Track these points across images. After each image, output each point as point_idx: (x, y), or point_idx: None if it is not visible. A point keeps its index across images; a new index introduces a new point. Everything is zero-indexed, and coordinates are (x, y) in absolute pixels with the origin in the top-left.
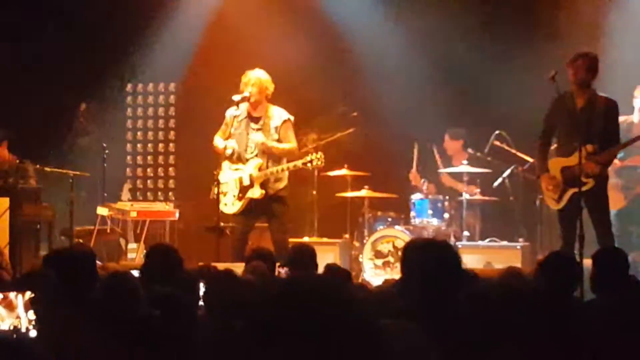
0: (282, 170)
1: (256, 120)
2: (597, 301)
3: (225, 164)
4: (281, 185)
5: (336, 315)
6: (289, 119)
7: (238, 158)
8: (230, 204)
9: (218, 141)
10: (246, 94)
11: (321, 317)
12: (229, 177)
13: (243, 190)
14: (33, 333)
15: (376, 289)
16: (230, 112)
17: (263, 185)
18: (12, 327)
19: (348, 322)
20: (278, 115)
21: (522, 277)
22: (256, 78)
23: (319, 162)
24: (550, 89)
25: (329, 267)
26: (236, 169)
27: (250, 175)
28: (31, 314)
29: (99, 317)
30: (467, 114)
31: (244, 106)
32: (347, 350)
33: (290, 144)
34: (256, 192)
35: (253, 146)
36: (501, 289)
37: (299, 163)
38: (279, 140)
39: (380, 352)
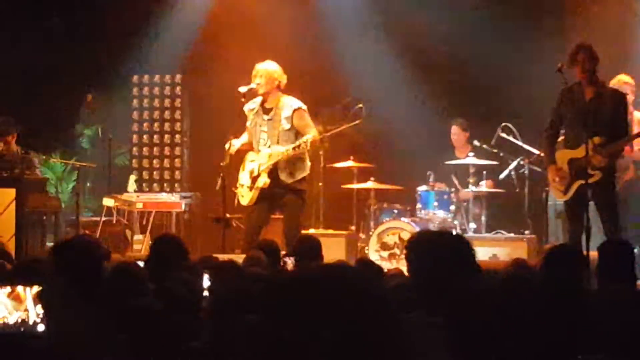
0: (282, 156)
1: (267, 111)
2: (603, 293)
3: (248, 157)
4: (298, 176)
5: (366, 308)
6: (300, 108)
7: (254, 150)
8: (245, 196)
9: (242, 136)
10: (252, 85)
11: (350, 309)
12: (246, 169)
13: (253, 180)
14: (41, 327)
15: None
16: (247, 106)
17: (272, 175)
18: (19, 321)
19: (377, 315)
20: (289, 104)
21: (528, 268)
22: (264, 70)
23: (306, 147)
24: (557, 79)
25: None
26: (252, 161)
27: (259, 165)
28: (39, 308)
29: (104, 309)
30: (472, 106)
31: (259, 99)
32: (374, 344)
33: (307, 134)
34: (261, 181)
35: (266, 137)
36: (507, 281)
37: (290, 149)
38: (291, 129)
39: (404, 345)
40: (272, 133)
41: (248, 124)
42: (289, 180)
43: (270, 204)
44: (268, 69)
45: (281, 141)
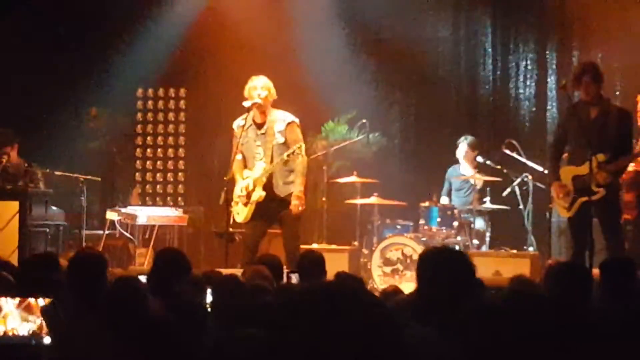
0: (275, 166)
1: (260, 125)
2: (605, 311)
3: (242, 174)
4: (292, 189)
5: (368, 322)
6: (293, 122)
7: (249, 166)
8: (240, 212)
9: (235, 167)
10: (257, 100)
11: (355, 323)
12: (240, 185)
13: (248, 195)
14: (47, 339)
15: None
16: (237, 123)
17: (267, 189)
18: (30, 332)
19: (379, 328)
20: (282, 118)
21: (532, 285)
22: (263, 84)
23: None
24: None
25: (340, 275)
26: (246, 177)
27: (254, 180)
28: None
29: (106, 323)
30: (477, 122)
31: (249, 115)
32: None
33: (296, 160)
34: (256, 195)
35: (261, 151)
36: (511, 298)
37: (284, 157)
38: (285, 143)
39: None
40: (266, 147)
41: (240, 141)
42: (283, 193)
43: (267, 219)
44: (267, 83)
45: (275, 155)
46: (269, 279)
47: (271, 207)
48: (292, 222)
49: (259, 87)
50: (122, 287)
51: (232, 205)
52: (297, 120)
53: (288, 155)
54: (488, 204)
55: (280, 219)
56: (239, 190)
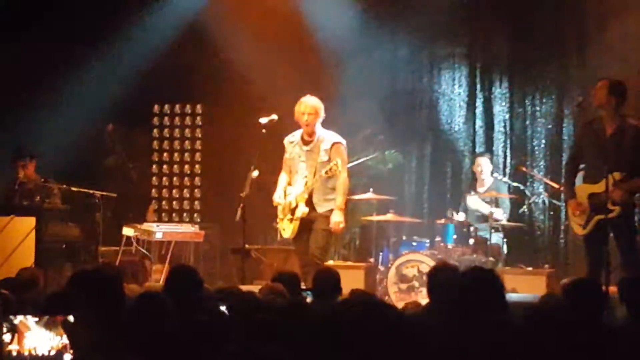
0: (317, 181)
1: (307, 142)
2: (623, 328)
3: (285, 191)
4: (332, 206)
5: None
6: (339, 142)
7: (292, 182)
8: (286, 229)
9: (280, 179)
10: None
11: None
12: (285, 202)
13: (292, 211)
14: (67, 357)
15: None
16: (288, 139)
17: (309, 205)
18: (52, 351)
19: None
20: (329, 138)
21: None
22: (312, 106)
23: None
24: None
25: (354, 292)
26: (289, 194)
27: (296, 196)
28: (65, 338)
29: (129, 338)
30: (493, 139)
31: (299, 131)
32: None
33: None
34: (300, 211)
35: (304, 167)
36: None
37: (322, 173)
38: (329, 162)
39: None
40: (310, 164)
41: (287, 155)
42: (322, 209)
43: (309, 233)
44: (315, 105)
45: (318, 172)
46: (285, 296)
47: (311, 222)
48: (318, 233)
49: (306, 112)
50: (148, 302)
51: (278, 222)
52: (344, 142)
53: (326, 172)
54: (503, 220)
55: (311, 230)
56: (286, 208)
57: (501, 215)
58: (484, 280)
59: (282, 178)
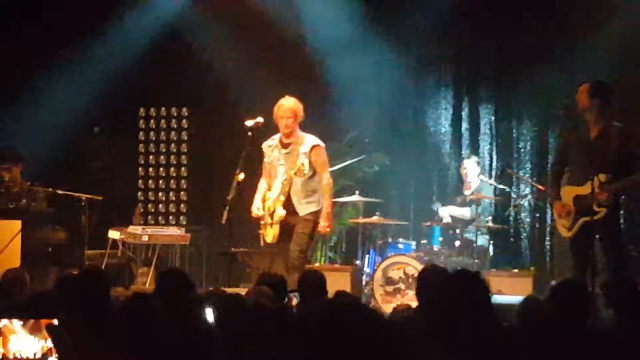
0: (285, 184)
1: (286, 145)
2: (608, 330)
3: (265, 196)
4: (312, 208)
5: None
6: (318, 145)
7: (270, 187)
8: (269, 234)
9: (259, 186)
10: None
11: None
12: (265, 207)
13: (271, 215)
14: None
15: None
16: (266, 143)
17: (287, 207)
18: (36, 355)
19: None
20: (308, 141)
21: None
22: (291, 109)
23: (304, 168)
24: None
25: (338, 294)
26: (267, 199)
27: (273, 200)
28: (50, 341)
29: (116, 341)
30: (479, 141)
31: (278, 135)
32: None
33: (322, 173)
34: (278, 214)
35: (283, 170)
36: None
37: (291, 173)
38: (309, 165)
39: None
40: (289, 167)
41: (266, 160)
42: (302, 212)
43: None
44: (293, 108)
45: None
46: (271, 298)
47: (293, 226)
48: (299, 235)
49: (285, 117)
50: (139, 304)
51: (261, 228)
52: (322, 144)
53: (295, 173)
54: (490, 223)
55: (292, 233)
56: (265, 212)
57: (468, 214)
58: (470, 282)
59: (261, 185)
